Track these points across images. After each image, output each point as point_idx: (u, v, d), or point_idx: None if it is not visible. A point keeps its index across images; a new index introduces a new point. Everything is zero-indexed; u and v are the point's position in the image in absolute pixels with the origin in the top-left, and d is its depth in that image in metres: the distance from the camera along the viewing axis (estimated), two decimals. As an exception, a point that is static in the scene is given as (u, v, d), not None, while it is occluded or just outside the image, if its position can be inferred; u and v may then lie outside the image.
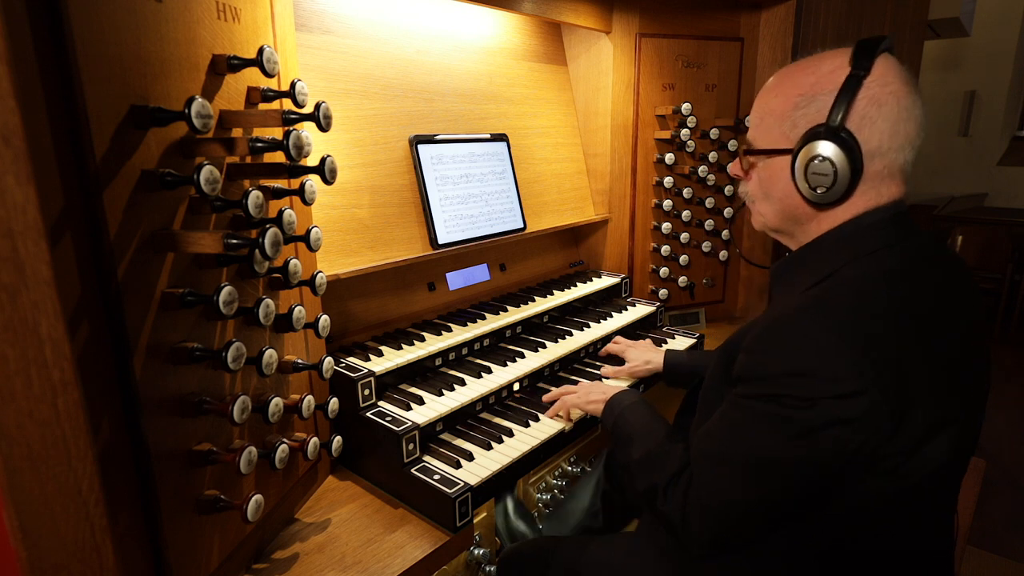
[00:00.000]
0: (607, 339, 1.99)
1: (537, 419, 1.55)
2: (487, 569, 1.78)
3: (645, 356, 1.75)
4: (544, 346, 1.80)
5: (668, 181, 2.31)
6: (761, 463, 0.93)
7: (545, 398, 1.62)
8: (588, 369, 1.86)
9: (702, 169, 2.32)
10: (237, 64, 1.03)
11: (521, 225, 2.00)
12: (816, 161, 0.97)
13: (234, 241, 0.90)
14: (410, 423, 1.34)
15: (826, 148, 0.96)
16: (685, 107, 2.21)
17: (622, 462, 1.26)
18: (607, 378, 1.78)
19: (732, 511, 0.98)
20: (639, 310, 2.16)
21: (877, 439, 0.86)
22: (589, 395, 1.51)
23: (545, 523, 1.90)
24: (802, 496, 0.94)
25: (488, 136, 1.95)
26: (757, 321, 1.00)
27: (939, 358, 0.92)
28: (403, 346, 1.59)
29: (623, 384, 1.73)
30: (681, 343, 2.07)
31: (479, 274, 2.02)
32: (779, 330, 0.92)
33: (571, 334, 1.90)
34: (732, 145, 2.34)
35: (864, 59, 0.97)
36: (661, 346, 2.03)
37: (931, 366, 0.90)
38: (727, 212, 2.38)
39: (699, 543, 1.03)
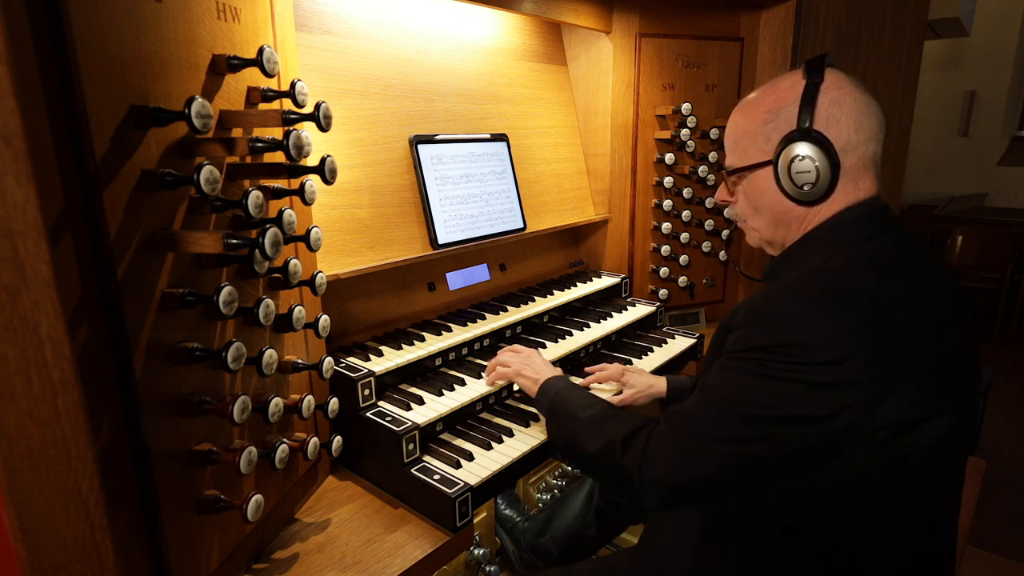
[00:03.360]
0: (607, 339, 2.00)
1: (537, 419, 1.55)
2: (487, 569, 1.78)
3: (647, 380, 1.68)
4: (544, 346, 1.80)
5: (668, 181, 2.31)
6: (737, 415, 0.97)
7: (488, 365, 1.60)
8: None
9: (702, 169, 2.32)
10: (237, 64, 1.03)
11: (521, 225, 2.00)
12: (797, 160, 1.06)
13: (234, 241, 0.90)
14: (410, 423, 1.34)
15: (803, 148, 1.05)
16: (685, 107, 2.21)
17: (566, 435, 1.28)
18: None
19: (696, 464, 1.01)
20: (639, 310, 2.16)
21: (858, 407, 0.89)
22: (522, 370, 1.51)
23: (532, 521, 1.90)
24: (771, 460, 0.96)
25: (488, 136, 1.95)
26: (746, 300, 1.05)
27: (923, 344, 0.95)
28: (403, 346, 1.59)
29: (577, 380, 1.63)
30: (681, 343, 2.07)
31: (479, 274, 2.02)
32: (765, 307, 0.99)
33: (571, 334, 1.90)
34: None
35: (816, 71, 1.07)
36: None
37: (918, 351, 0.94)
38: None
39: (655, 493, 1.06)
